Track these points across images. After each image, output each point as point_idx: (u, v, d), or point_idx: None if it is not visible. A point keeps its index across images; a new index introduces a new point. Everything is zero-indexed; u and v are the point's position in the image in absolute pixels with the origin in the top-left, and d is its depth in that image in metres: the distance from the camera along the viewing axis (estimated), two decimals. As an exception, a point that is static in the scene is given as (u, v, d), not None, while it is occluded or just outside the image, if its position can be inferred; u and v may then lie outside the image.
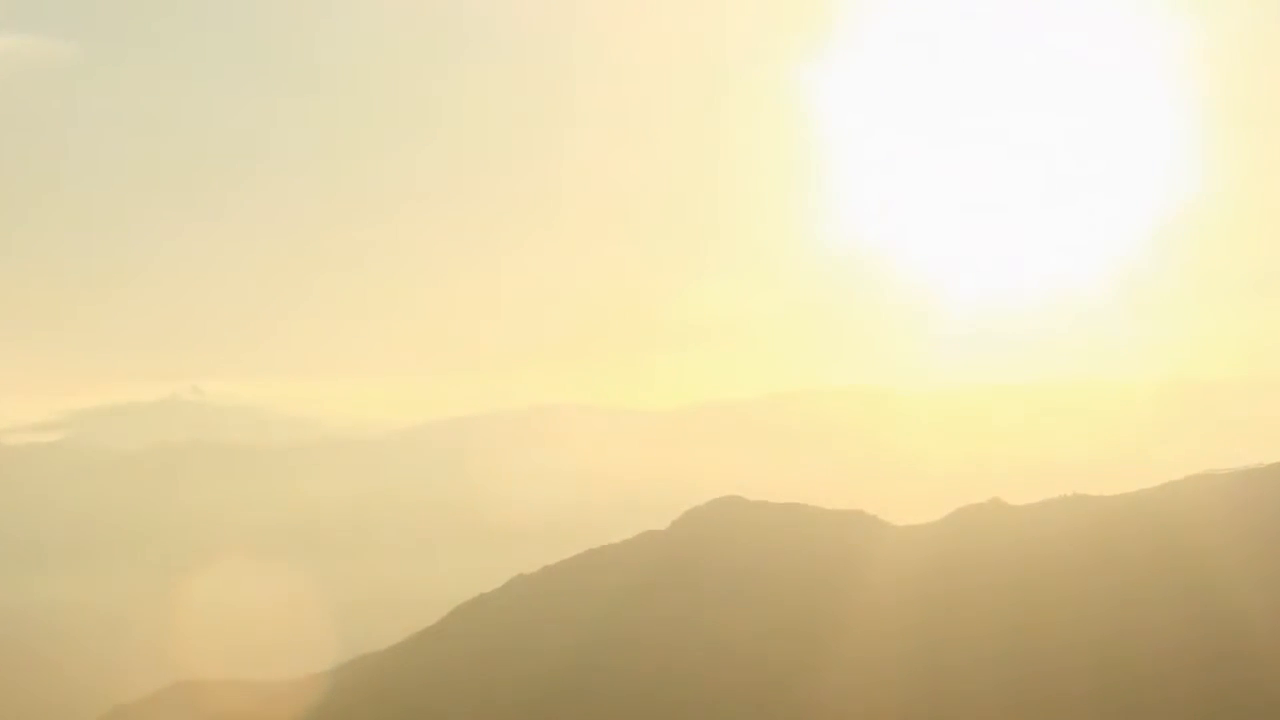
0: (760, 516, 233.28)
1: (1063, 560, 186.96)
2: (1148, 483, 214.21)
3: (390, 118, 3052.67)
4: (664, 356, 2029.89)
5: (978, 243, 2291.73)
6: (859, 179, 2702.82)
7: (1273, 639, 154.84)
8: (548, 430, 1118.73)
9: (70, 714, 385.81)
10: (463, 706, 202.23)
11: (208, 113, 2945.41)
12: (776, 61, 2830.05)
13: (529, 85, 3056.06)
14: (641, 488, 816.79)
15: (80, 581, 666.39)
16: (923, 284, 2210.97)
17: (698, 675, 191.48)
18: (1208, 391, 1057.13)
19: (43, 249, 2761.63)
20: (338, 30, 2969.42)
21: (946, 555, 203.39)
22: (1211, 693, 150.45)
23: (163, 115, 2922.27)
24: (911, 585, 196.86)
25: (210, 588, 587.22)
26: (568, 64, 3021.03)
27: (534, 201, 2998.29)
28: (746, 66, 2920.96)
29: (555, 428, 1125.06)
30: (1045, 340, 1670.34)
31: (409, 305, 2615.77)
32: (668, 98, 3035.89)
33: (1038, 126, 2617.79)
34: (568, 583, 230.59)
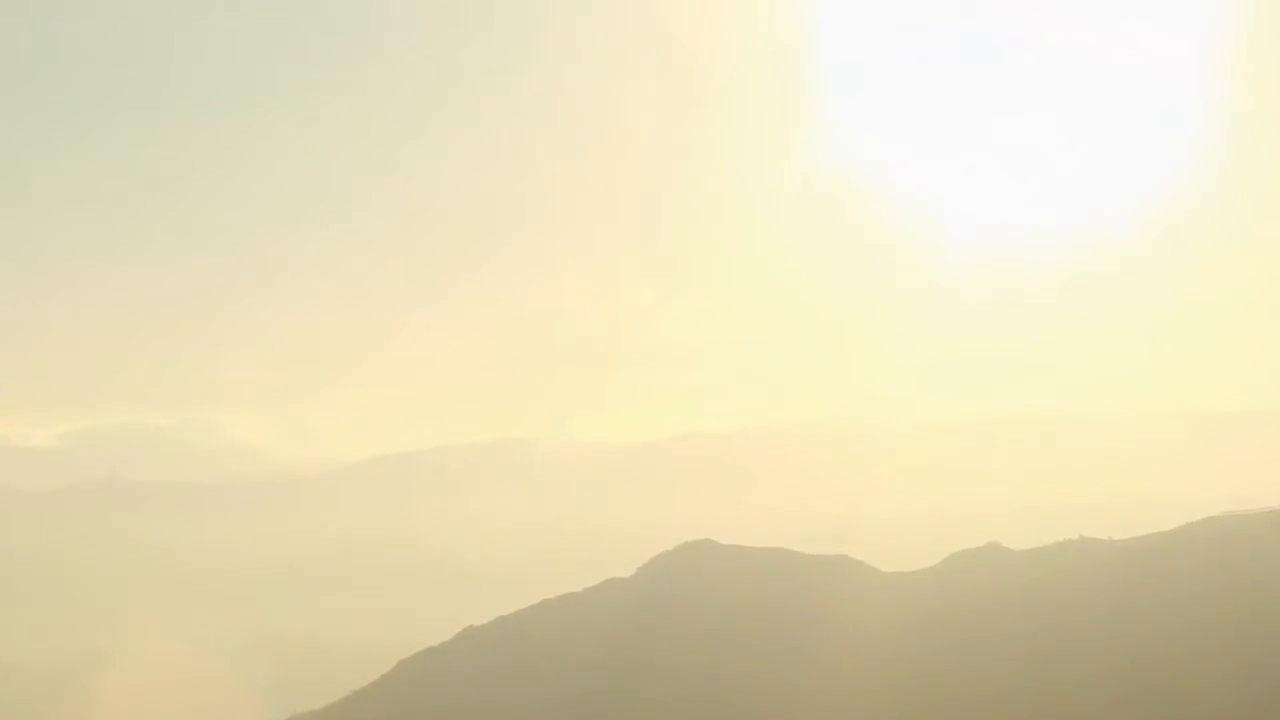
0: (735, 562, 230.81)
1: (1070, 611, 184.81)
2: (1163, 524, 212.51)
3: (343, 137, 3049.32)
4: (633, 384, 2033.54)
5: (971, 260, 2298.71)
6: (840, 192, 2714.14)
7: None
8: (502, 465, 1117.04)
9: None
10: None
11: (133, 127, 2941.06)
12: (749, 71, 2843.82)
13: (489, 99, 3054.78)
14: (605, 529, 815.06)
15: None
16: (913, 306, 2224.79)
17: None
18: (1228, 422, 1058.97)
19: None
20: (257, 43, 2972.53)
21: (941, 604, 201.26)
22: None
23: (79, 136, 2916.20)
24: (903, 638, 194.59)
25: (133, 638, 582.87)
26: (524, 75, 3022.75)
27: (494, 216, 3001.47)
28: (716, 72, 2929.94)
29: (511, 462, 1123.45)
30: (1046, 366, 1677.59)
31: (356, 330, 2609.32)
32: (636, 105, 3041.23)
33: (1037, 132, 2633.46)
34: (523, 636, 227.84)
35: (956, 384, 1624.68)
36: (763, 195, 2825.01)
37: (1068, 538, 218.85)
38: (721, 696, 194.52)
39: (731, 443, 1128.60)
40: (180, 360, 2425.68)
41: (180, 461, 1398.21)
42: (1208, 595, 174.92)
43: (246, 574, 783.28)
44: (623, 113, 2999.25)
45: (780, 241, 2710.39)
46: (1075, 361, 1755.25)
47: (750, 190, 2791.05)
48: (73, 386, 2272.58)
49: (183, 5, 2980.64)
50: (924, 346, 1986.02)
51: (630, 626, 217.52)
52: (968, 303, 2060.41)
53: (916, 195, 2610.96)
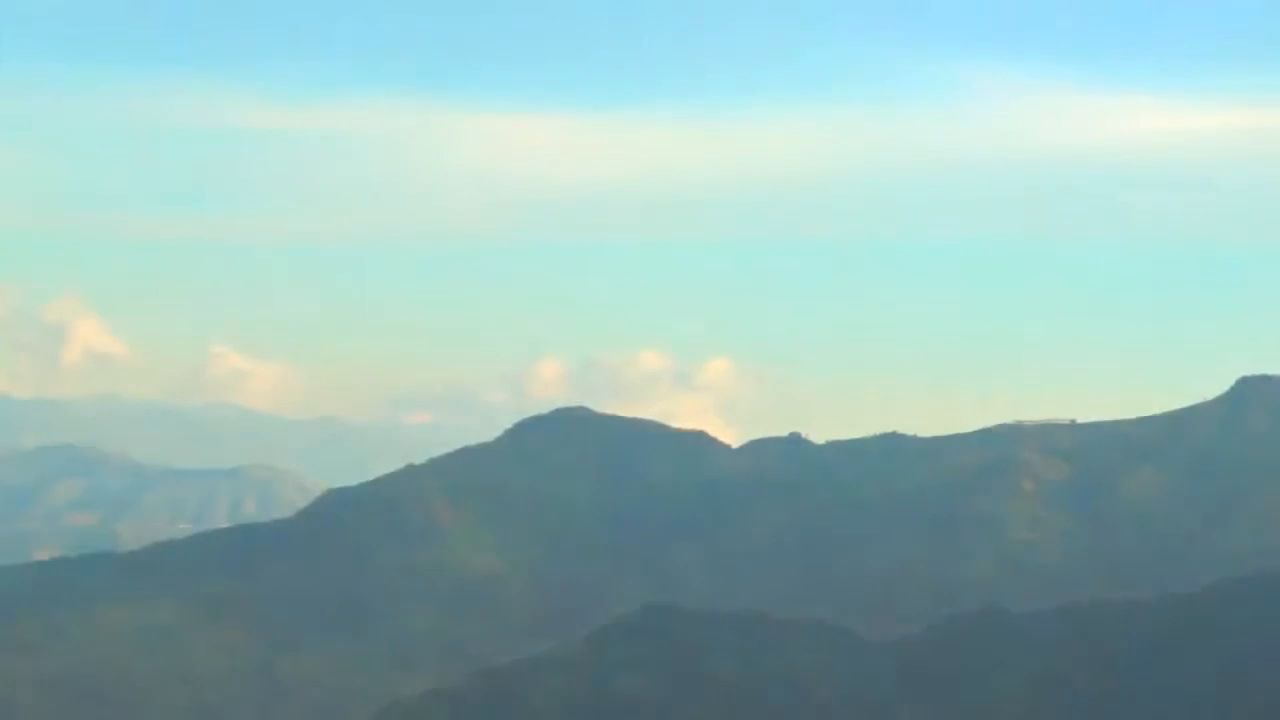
0: (701, 630, 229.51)
1: (1081, 683, 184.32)
2: (1191, 583, 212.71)
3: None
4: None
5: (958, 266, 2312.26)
6: (802, 209, 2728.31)
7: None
8: (432, 509, 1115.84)
9: None
10: None
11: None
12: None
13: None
14: (550, 590, 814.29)
15: None
16: (895, 323, 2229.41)
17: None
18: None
19: None
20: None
21: (934, 675, 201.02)
22: None
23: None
24: (893, 714, 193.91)
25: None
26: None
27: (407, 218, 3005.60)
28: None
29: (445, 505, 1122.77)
30: (1047, 387, 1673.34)
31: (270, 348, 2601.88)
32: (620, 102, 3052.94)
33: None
34: (456, 713, 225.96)
35: (941, 411, 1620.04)
36: (730, 208, 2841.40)
37: (1076, 599, 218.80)
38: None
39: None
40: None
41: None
42: (1246, 661, 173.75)
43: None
44: (597, 112, 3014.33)
45: (740, 258, 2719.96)
46: (1082, 382, 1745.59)
47: (714, 204, 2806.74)
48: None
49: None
50: (906, 366, 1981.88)
51: (580, 703, 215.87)
52: (959, 312, 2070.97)
53: (897, 203, 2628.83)
